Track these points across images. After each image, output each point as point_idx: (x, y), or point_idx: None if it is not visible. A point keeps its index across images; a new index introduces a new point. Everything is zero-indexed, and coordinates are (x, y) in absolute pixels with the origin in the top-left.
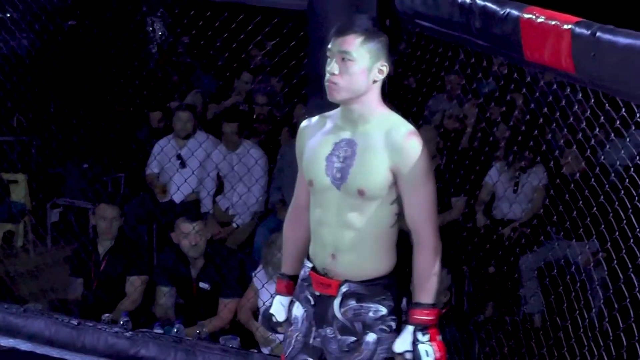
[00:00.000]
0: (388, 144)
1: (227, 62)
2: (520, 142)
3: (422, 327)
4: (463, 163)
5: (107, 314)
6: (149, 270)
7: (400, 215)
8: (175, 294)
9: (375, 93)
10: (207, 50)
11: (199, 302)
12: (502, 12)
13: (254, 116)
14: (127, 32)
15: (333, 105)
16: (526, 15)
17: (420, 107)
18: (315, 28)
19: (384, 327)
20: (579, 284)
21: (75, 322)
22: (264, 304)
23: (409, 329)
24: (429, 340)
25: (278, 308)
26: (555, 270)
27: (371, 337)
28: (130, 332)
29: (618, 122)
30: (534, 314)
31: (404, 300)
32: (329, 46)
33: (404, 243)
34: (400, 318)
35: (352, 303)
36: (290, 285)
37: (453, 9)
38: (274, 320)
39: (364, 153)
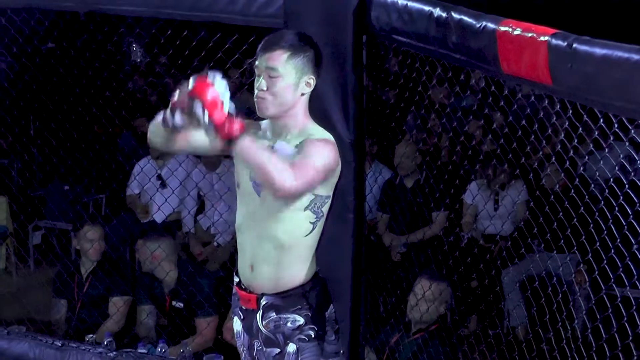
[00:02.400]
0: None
1: None
2: (499, 156)
3: None
4: (442, 177)
5: (90, 335)
6: (132, 291)
7: (315, 224)
8: (157, 313)
9: (302, 106)
10: (184, 69)
11: (172, 320)
12: (478, 26)
13: None
14: (105, 53)
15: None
16: (502, 28)
17: (399, 122)
18: None
19: (303, 337)
20: (560, 296)
21: (59, 343)
22: None
23: None
24: None
25: None
26: (537, 283)
27: (291, 347)
28: (114, 353)
29: (596, 133)
30: (517, 327)
31: (330, 308)
32: (256, 62)
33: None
34: (321, 326)
35: (272, 315)
36: None
37: (429, 24)
38: None
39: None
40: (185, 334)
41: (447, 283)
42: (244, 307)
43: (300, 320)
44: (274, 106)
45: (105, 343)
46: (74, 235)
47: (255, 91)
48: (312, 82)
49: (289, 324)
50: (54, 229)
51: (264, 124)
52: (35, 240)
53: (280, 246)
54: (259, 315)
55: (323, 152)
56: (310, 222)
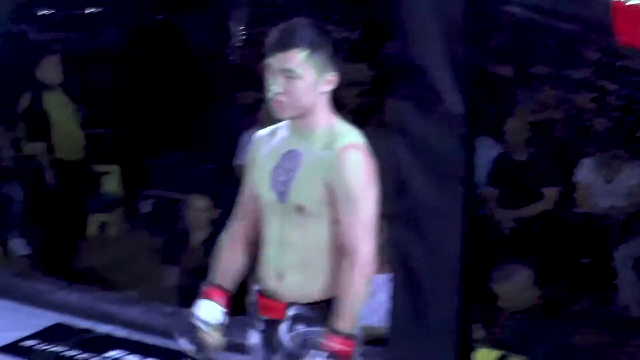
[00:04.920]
0: (325, 158)
1: None
2: (613, 131)
3: (334, 358)
4: (554, 152)
5: None
6: None
7: None
8: None
9: (323, 104)
10: None
11: None
12: None
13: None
14: (213, 23)
15: None
16: None
17: (510, 97)
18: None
19: None
20: None
21: (169, 310)
22: None
23: (321, 354)
24: None
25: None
26: None
27: None
28: None
29: None
30: (630, 304)
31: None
32: (269, 60)
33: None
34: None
35: (301, 328)
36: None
37: None
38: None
39: (306, 166)
40: None
41: (529, 267)
42: (264, 317)
43: None
44: (292, 109)
45: None
46: (183, 204)
47: (269, 93)
48: (335, 78)
49: (321, 339)
50: (164, 197)
51: (284, 125)
52: (146, 208)
53: (311, 257)
54: (284, 327)
55: (362, 190)
56: None
